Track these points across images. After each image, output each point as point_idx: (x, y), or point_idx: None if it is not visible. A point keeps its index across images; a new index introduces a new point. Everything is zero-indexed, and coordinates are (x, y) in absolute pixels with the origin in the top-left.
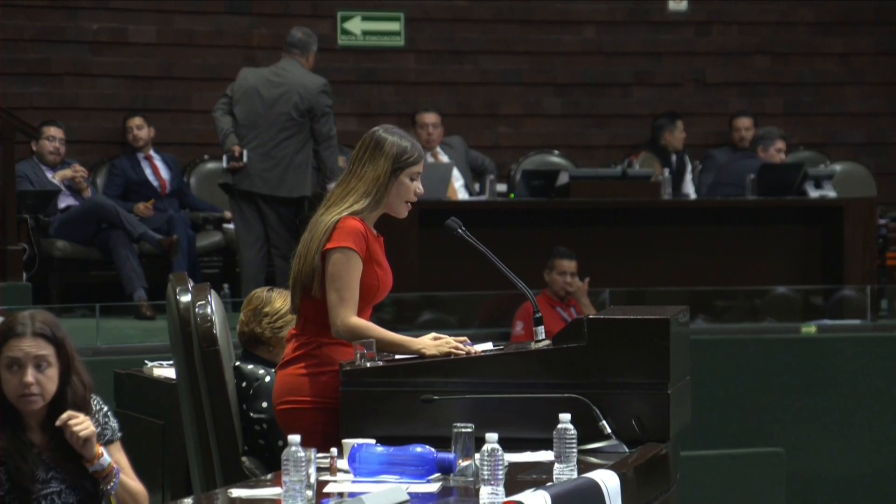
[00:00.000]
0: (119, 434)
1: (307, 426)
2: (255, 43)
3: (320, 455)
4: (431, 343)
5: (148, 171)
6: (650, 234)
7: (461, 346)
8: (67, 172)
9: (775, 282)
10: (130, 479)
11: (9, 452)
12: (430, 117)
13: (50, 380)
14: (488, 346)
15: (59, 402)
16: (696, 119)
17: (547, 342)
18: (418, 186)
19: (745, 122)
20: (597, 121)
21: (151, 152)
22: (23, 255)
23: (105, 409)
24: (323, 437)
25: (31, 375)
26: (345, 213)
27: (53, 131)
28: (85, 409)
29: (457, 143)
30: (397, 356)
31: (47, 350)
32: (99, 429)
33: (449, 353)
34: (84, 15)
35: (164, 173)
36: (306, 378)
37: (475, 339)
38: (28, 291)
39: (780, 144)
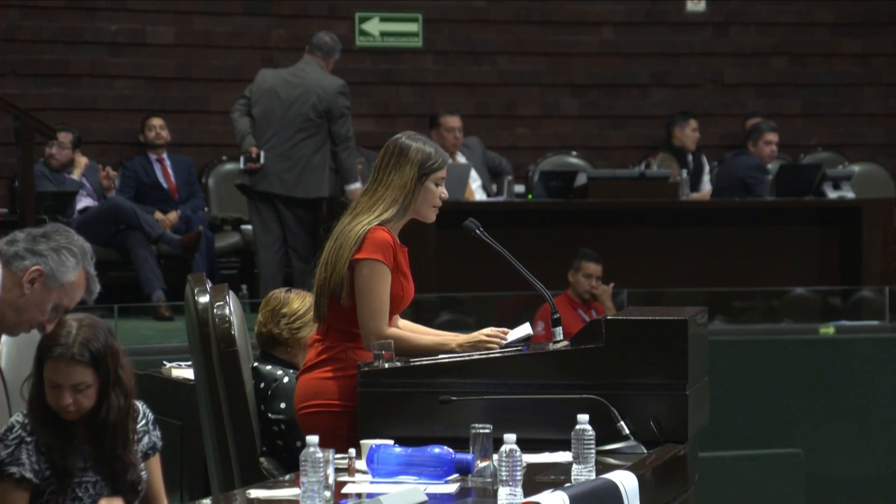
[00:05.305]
0: (160, 445)
1: (332, 429)
2: (273, 44)
3: (338, 456)
4: (463, 337)
5: (159, 174)
6: (668, 234)
7: (494, 337)
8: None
9: (793, 283)
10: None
11: (53, 440)
12: (456, 121)
13: (88, 398)
14: (526, 327)
15: (98, 410)
16: (714, 120)
17: (565, 343)
18: (443, 191)
19: (769, 137)
20: (614, 122)
21: (164, 155)
22: None
23: (151, 417)
24: (347, 441)
25: (68, 398)
26: (374, 223)
27: (62, 137)
28: (124, 419)
29: (474, 144)
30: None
31: (84, 376)
32: (140, 436)
33: (481, 342)
34: (102, 16)
35: (175, 177)
36: (332, 382)
37: None
38: None
39: (770, 137)
